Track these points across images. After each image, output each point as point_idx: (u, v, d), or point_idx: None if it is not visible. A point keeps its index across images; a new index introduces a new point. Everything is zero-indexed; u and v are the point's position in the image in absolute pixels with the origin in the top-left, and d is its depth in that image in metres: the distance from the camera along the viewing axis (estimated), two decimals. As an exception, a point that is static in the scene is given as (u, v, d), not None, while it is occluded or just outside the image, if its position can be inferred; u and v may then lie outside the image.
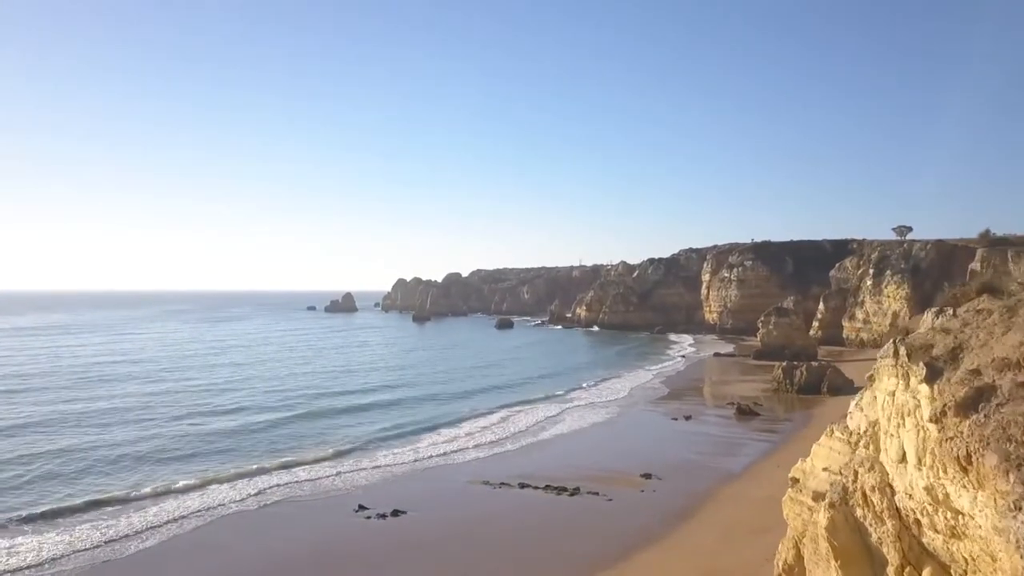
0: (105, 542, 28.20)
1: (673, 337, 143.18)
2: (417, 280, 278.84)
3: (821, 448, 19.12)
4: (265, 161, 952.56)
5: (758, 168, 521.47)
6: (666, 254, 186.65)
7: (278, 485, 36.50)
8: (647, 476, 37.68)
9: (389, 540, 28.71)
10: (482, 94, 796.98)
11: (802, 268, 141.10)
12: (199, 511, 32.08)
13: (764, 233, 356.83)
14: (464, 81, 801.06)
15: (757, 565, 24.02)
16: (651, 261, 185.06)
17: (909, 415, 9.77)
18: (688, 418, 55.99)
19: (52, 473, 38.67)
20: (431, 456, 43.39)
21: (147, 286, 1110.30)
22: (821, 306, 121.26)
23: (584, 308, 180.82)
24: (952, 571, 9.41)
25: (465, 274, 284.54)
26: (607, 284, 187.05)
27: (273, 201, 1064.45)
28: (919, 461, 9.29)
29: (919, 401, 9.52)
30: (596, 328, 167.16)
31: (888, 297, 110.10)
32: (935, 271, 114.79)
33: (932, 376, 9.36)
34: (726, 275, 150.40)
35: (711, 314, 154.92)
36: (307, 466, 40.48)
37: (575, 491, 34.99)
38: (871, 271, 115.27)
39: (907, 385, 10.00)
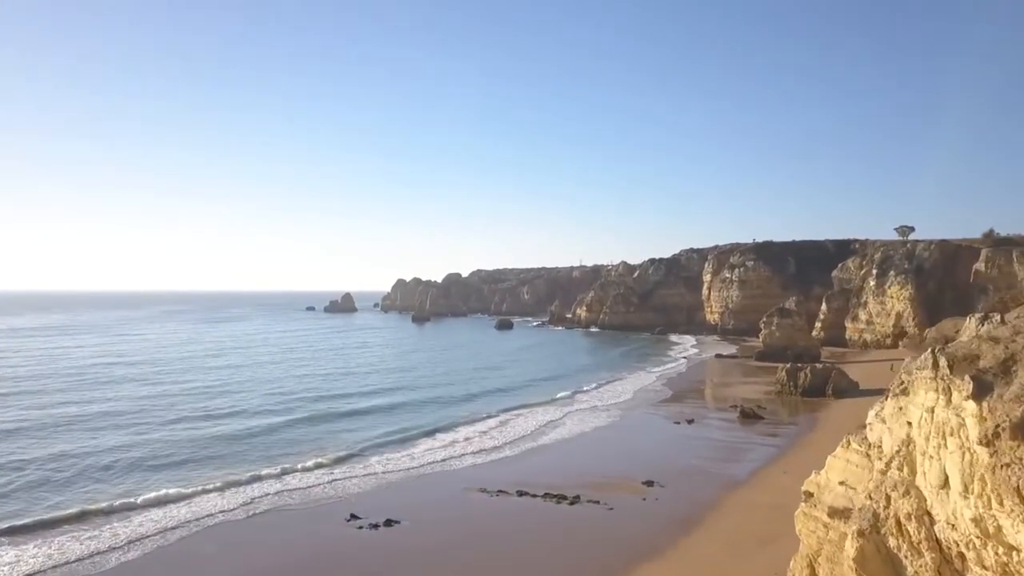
0: (87, 555, 27.09)
1: (674, 338, 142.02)
2: (417, 280, 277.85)
3: (837, 460, 17.98)
4: (265, 161, 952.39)
5: (759, 168, 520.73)
6: (667, 254, 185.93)
7: (268, 494, 35.36)
8: (649, 483, 36.52)
9: (380, 552, 27.57)
10: (482, 94, 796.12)
11: (804, 268, 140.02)
12: (186, 521, 30.94)
13: (766, 233, 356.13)
14: (464, 81, 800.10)
15: (767, 581, 22.92)
16: (652, 261, 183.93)
17: (952, 435, 8.66)
18: (691, 422, 54.86)
19: (42, 480, 37.64)
20: (428, 463, 42.21)
21: (146, 286, 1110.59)
22: (824, 307, 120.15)
23: (584, 309, 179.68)
24: (1001, 611, 8.33)
25: (465, 274, 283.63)
26: (607, 284, 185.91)
27: (273, 201, 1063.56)
28: (965, 488, 8.20)
29: (964, 420, 8.42)
30: (596, 329, 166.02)
31: (891, 298, 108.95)
32: (939, 271, 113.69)
33: (980, 392, 8.26)
34: (727, 275, 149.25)
35: (712, 315, 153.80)
36: (300, 473, 39.40)
37: (575, 499, 33.82)
38: (874, 271, 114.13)
39: (949, 401, 8.90)
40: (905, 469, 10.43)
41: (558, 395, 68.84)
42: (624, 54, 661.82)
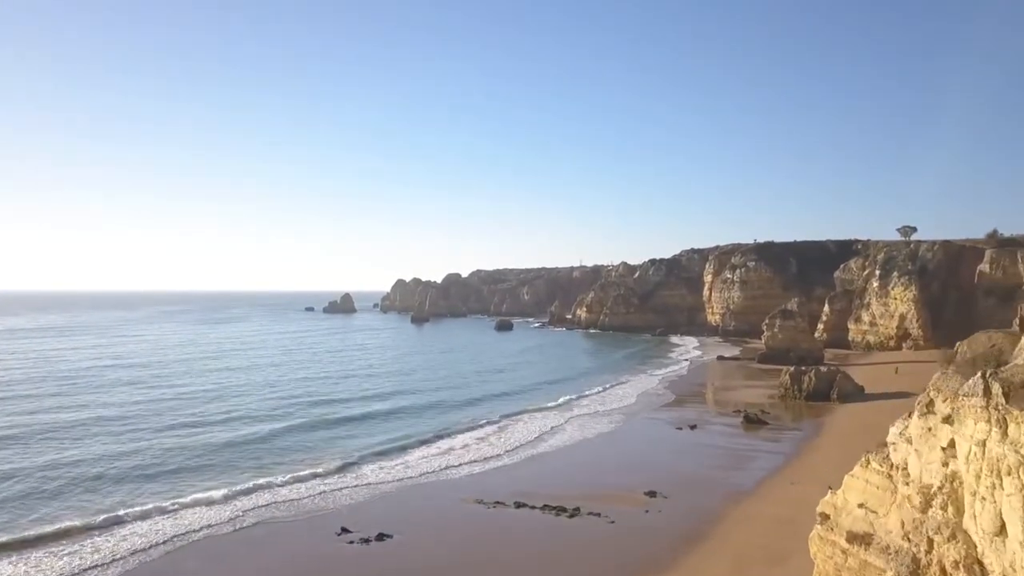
0: (67, 573, 25.92)
1: (675, 340, 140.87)
2: (416, 281, 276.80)
3: (855, 480, 16.82)
4: (265, 161, 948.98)
5: (760, 168, 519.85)
6: (667, 255, 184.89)
7: (258, 505, 34.18)
8: (652, 494, 35.34)
9: (369, 569, 26.43)
10: (482, 94, 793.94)
11: (806, 269, 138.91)
12: (171, 537, 29.75)
13: (767, 233, 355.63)
14: (464, 81, 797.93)
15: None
16: (652, 262, 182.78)
17: (1010, 475, 7.52)
18: (693, 427, 53.69)
19: (28, 492, 36.44)
20: (424, 472, 41.05)
21: (145, 286, 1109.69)
22: (826, 308, 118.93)
23: (584, 309, 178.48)
24: None
25: (465, 274, 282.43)
26: (608, 285, 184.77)
27: (273, 201, 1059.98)
28: (1026, 539, 7.07)
29: None
30: (597, 330, 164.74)
31: (895, 299, 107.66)
32: (942, 272, 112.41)
33: (1044, 427, 7.13)
34: (729, 276, 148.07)
35: (713, 316, 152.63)
36: (291, 484, 38.13)
37: (575, 512, 32.64)
38: (877, 272, 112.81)
39: (1004, 434, 7.76)
40: (950, 509, 9.28)
41: (559, 400, 67.68)
42: (624, 54, 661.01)
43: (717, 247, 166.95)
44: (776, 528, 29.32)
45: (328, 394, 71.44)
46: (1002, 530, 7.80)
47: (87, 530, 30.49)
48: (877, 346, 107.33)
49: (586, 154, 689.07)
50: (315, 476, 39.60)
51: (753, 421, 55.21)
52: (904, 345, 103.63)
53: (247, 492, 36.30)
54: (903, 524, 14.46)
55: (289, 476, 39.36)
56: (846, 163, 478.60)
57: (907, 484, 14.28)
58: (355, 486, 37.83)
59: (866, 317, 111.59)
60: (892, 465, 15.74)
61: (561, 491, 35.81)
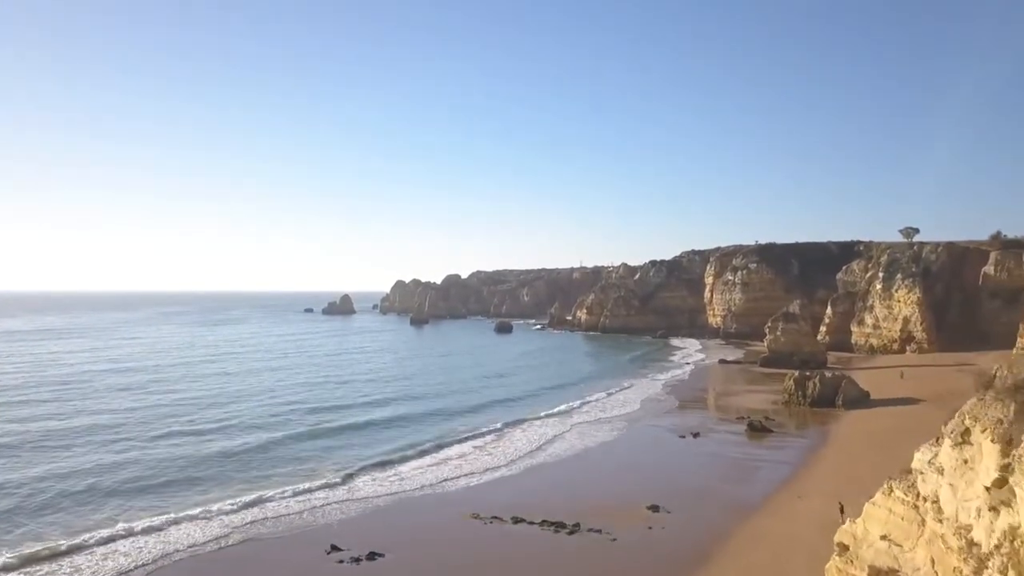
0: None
1: (677, 342, 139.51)
2: (416, 282, 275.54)
3: (877, 509, 15.71)
4: (265, 161, 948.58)
5: (760, 168, 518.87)
6: (668, 256, 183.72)
7: (246, 522, 33.02)
8: (655, 508, 34.21)
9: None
10: (482, 94, 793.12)
11: (807, 270, 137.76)
12: (156, 557, 28.58)
13: (768, 235, 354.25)
14: (464, 81, 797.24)
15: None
16: (653, 263, 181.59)
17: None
18: (696, 435, 52.53)
19: (13, 509, 35.25)
20: (420, 485, 39.86)
21: (145, 287, 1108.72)
22: (829, 310, 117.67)
23: (585, 311, 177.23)
24: None
25: (464, 275, 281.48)
26: (608, 287, 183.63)
27: (273, 201, 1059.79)
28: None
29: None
30: (597, 332, 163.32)
31: (898, 301, 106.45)
32: (946, 274, 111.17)
33: None
34: (730, 278, 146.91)
35: (714, 318, 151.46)
36: (282, 499, 36.82)
37: (575, 528, 31.52)
38: (881, 274, 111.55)
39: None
40: (1011, 574, 8.18)
41: (561, 406, 66.48)
42: (624, 54, 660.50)
43: (718, 248, 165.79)
44: (784, 546, 28.21)
45: (325, 401, 70.32)
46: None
47: (70, 550, 29.28)
48: (880, 349, 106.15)
49: (586, 154, 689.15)
50: (308, 490, 38.38)
51: (757, 429, 54.06)
52: (908, 348, 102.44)
53: (237, 507, 35.17)
54: (933, 562, 13.30)
55: (281, 489, 38.26)
56: (847, 163, 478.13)
57: (939, 521, 13.16)
58: (348, 500, 36.69)
59: (869, 320, 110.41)
60: (919, 495, 14.54)
61: (561, 504, 34.71)
